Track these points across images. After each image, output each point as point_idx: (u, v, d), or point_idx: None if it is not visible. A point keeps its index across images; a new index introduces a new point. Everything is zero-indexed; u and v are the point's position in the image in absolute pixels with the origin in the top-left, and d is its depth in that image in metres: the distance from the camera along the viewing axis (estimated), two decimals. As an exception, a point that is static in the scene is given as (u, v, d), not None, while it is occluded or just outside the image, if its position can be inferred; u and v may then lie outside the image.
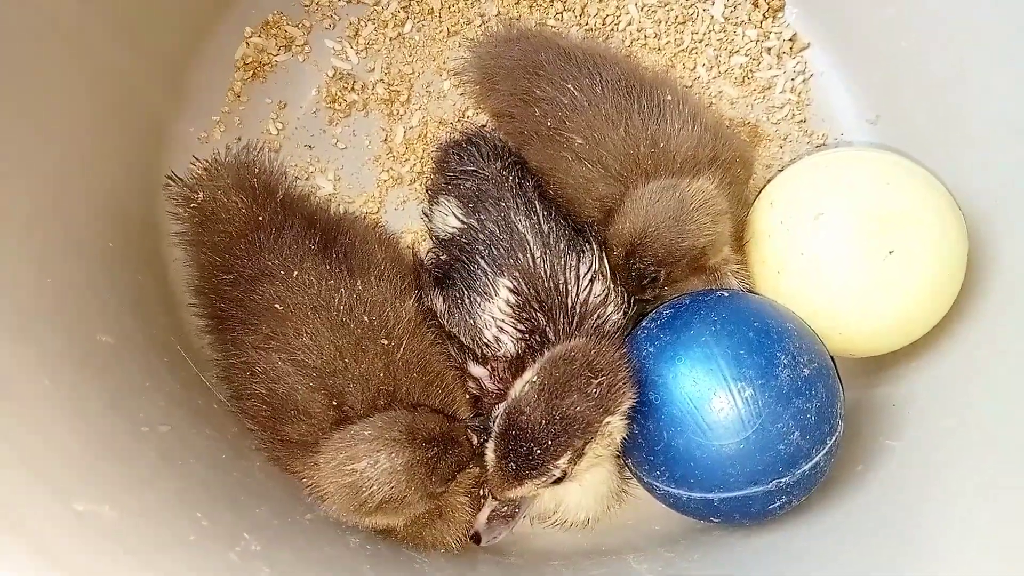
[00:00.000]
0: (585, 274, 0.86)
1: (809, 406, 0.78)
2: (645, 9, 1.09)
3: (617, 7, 1.09)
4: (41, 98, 0.79)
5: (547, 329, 0.83)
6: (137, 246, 0.93)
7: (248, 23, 1.07)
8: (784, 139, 1.07)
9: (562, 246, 0.87)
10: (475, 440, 0.81)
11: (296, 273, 0.82)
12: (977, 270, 0.87)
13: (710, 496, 0.79)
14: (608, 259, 0.87)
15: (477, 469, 0.83)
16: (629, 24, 1.09)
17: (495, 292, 0.85)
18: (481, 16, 1.09)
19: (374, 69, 1.08)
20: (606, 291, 0.86)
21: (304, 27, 1.09)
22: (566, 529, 0.90)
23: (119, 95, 0.92)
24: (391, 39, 1.09)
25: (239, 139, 1.05)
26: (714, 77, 1.08)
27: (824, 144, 1.07)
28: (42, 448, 0.62)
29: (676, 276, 0.86)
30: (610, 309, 0.86)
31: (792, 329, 0.82)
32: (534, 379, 0.75)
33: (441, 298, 0.89)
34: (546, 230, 0.88)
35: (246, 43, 1.07)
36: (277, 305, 0.81)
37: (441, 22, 1.09)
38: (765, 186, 0.97)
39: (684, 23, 1.09)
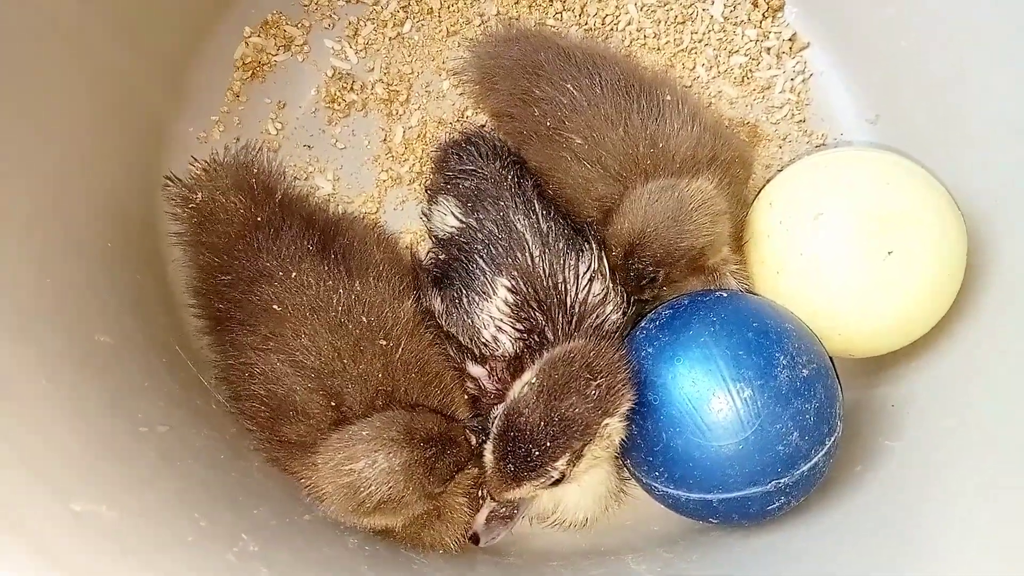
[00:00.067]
0: (584, 273, 0.86)
1: (808, 407, 0.77)
2: (644, 9, 1.09)
3: (616, 7, 1.09)
4: (41, 98, 0.79)
5: (546, 329, 0.83)
6: (136, 246, 0.93)
7: (247, 23, 1.07)
8: (783, 139, 1.07)
9: (561, 245, 0.87)
10: (473, 440, 0.81)
11: (294, 274, 0.82)
12: (977, 270, 0.87)
13: (709, 497, 0.79)
14: (607, 259, 0.87)
15: (476, 470, 0.83)
16: (628, 24, 1.09)
17: (493, 291, 0.85)
18: (480, 16, 1.09)
19: (373, 69, 1.08)
20: (605, 290, 0.86)
21: (303, 27, 1.09)
22: (565, 530, 0.90)
23: (119, 95, 0.92)
24: (390, 39, 1.09)
25: (238, 139, 1.05)
26: (713, 77, 1.08)
27: (824, 144, 1.07)
28: (41, 448, 0.62)
29: (675, 276, 0.86)
30: (609, 308, 0.86)
31: (791, 330, 0.82)
32: (533, 380, 0.75)
33: (439, 298, 0.89)
34: (545, 229, 0.88)
35: (245, 43, 1.07)
36: (275, 306, 0.81)
37: (440, 22, 1.09)
38: (764, 186, 0.97)
39: (683, 23, 1.09)
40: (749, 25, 1.08)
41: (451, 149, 1.01)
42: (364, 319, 0.81)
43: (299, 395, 0.79)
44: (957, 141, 0.92)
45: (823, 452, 0.79)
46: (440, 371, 0.85)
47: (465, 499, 0.84)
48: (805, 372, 0.79)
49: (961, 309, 0.88)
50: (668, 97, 0.92)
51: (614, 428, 0.77)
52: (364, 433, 0.75)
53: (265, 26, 1.08)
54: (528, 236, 0.87)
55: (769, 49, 1.08)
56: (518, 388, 0.77)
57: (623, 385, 0.77)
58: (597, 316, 0.85)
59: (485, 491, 0.83)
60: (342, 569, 0.78)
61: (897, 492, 0.82)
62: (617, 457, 0.86)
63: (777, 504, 0.79)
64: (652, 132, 0.89)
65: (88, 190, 0.86)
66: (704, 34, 1.09)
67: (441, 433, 0.77)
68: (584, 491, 0.85)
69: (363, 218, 1.03)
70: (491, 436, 0.76)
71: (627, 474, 0.88)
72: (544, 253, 0.86)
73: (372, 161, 1.07)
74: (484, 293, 0.86)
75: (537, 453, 0.72)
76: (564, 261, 0.86)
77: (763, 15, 1.08)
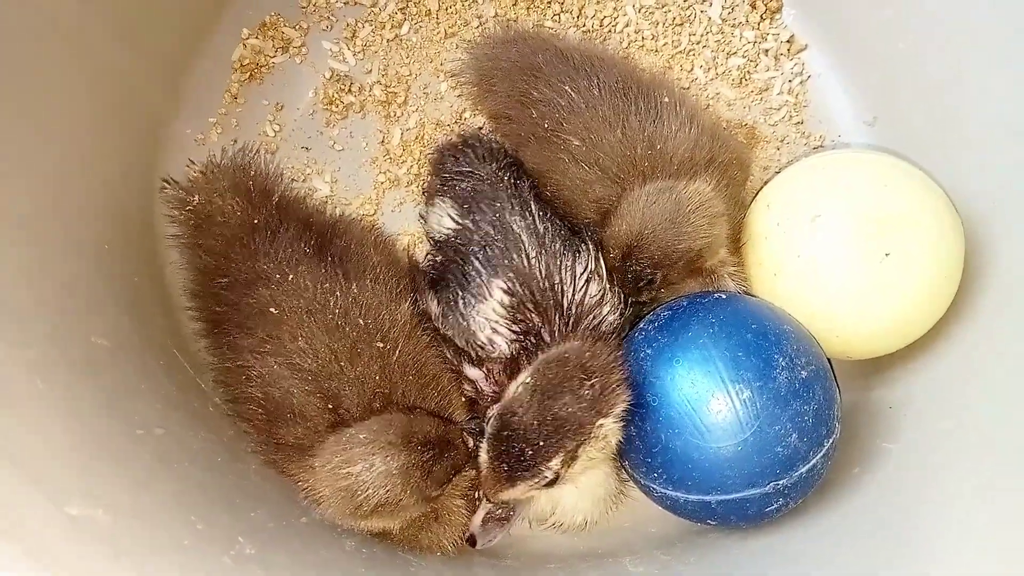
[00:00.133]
0: (581, 274, 0.86)
1: (807, 408, 0.77)
2: (643, 11, 1.09)
3: (615, 8, 1.09)
4: (38, 98, 0.79)
5: (542, 330, 0.83)
6: (134, 248, 0.93)
7: (245, 25, 1.07)
8: (781, 141, 1.07)
9: (558, 246, 0.87)
10: (471, 443, 0.81)
11: (292, 276, 0.82)
12: (974, 272, 0.87)
13: (707, 498, 0.79)
14: (605, 261, 0.87)
15: (473, 472, 0.82)
16: (627, 26, 1.09)
17: (489, 293, 0.85)
18: (478, 18, 1.09)
19: (371, 71, 1.08)
20: (602, 291, 0.86)
21: (301, 29, 1.09)
22: (563, 532, 0.89)
23: (117, 96, 0.92)
24: (388, 41, 1.09)
25: (235, 141, 1.04)
26: (711, 79, 1.08)
27: (821, 146, 1.07)
28: (36, 451, 0.62)
29: (673, 278, 0.86)
30: (606, 310, 0.86)
31: (790, 331, 0.82)
32: (527, 380, 0.75)
33: (435, 301, 0.89)
34: (541, 230, 0.88)
35: (243, 45, 1.07)
36: (272, 309, 0.81)
37: (438, 23, 1.09)
38: (762, 188, 0.97)
39: (681, 24, 1.09)
40: (747, 27, 1.08)
41: (447, 151, 1.01)
42: (361, 321, 0.81)
43: (296, 398, 0.79)
44: (955, 143, 0.92)
45: (821, 454, 0.79)
46: (437, 373, 0.85)
47: (462, 501, 0.84)
48: (804, 374, 0.79)
49: (959, 311, 0.88)
50: (666, 99, 0.92)
51: (609, 429, 0.76)
52: (361, 436, 0.75)
53: (263, 28, 1.08)
54: (524, 237, 0.87)
55: (767, 51, 1.08)
56: (513, 388, 0.77)
57: (618, 385, 0.76)
58: (594, 317, 0.84)
59: (481, 493, 0.83)
60: (339, 572, 0.78)
61: (894, 494, 0.82)
62: (615, 459, 0.85)
63: (775, 506, 0.79)
64: (650, 134, 0.89)
65: (85, 191, 0.86)
66: (702, 36, 1.08)
67: (438, 436, 0.77)
68: (582, 493, 0.85)
69: (361, 220, 1.03)
70: (486, 436, 0.76)
71: (626, 476, 0.88)
72: (540, 254, 0.86)
73: (370, 163, 1.07)
74: (480, 295, 0.86)
75: (531, 453, 0.72)
76: (560, 262, 0.86)
77: (761, 17, 1.08)
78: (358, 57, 1.09)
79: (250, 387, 0.81)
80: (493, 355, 0.85)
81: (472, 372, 0.86)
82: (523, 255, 0.86)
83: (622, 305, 0.87)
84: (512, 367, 0.83)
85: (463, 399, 0.86)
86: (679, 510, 0.84)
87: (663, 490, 0.81)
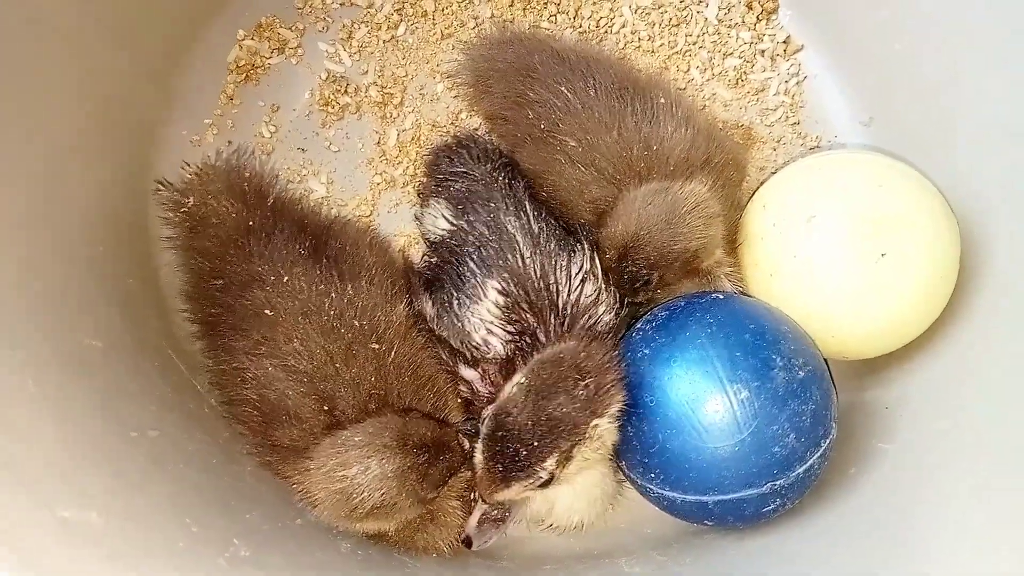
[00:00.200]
0: (576, 274, 0.86)
1: (804, 408, 0.77)
2: (639, 11, 1.09)
3: (611, 9, 1.09)
4: (30, 100, 0.78)
5: (537, 331, 0.83)
6: (128, 249, 0.93)
7: (241, 26, 1.07)
8: (778, 141, 1.07)
9: (552, 246, 0.87)
10: (466, 445, 0.81)
11: (286, 278, 0.82)
12: (970, 272, 0.87)
13: (704, 499, 0.79)
14: (601, 262, 0.86)
15: (469, 473, 0.82)
16: (623, 26, 1.09)
17: (484, 294, 0.85)
18: (475, 19, 1.09)
19: (367, 72, 1.08)
20: (597, 291, 0.86)
21: (297, 30, 1.09)
22: (560, 533, 0.89)
23: (110, 97, 0.92)
24: (384, 42, 1.08)
25: (230, 142, 1.04)
26: (708, 79, 1.08)
27: (818, 146, 1.07)
28: (28, 453, 0.62)
29: (669, 279, 0.86)
30: (602, 310, 0.86)
31: (787, 332, 0.82)
32: (522, 381, 0.75)
33: (430, 302, 0.89)
34: (536, 230, 0.88)
35: (239, 46, 1.07)
36: (267, 310, 0.81)
37: (435, 24, 1.09)
38: (758, 188, 0.97)
39: (678, 25, 1.09)
40: (743, 28, 1.08)
41: (442, 152, 1.01)
42: (356, 323, 0.81)
43: (291, 399, 0.79)
44: (951, 144, 0.92)
45: (818, 454, 0.78)
46: (433, 374, 0.85)
47: (458, 503, 0.84)
48: (801, 374, 0.78)
49: (955, 311, 0.88)
50: (662, 100, 0.92)
51: (604, 429, 0.76)
52: (357, 439, 0.75)
53: (259, 29, 1.08)
54: (519, 237, 0.87)
55: (763, 52, 1.08)
56: (508, 389, 0.77)
57: (613, 386, 0.76)
58: (589, 317, 0.84)
59: (477, 494, 0.83)
60: (335, 573, 0.78)
61: (891, 494, 0.82)
62: (612, 459, 0.85)
63: (772, 506, 0.79)
64: (646, 135, 0.89)
65: (79, 193, 0.85)
66: (698, 36, 1.09)
67: (434, 438, 0.77)
68: (578, 493, 0.85)
69: (356, 221, 1.03)
70: (480, 437, 0.76)
71: (622, 476, 0.88)
72: (535, 254, 0.86)
73: (366, 164, 1.07)
74: (474, 296, 0.86)
75: (525, 453, 0.72)
76: (556, 262, 0.86)
77: (757, 18, 1.08)
78: (354, 58, 1.08)
79: (245, 389, 0.81)
80: (488, 356, 0.85)
81: (468, 373, 0.86)
82: (518, 255, 0.86)
83: (618, 305, 0.87)
84: (507, 367, 0.83)
85: (459, 400, 0.86)
86: (676, 511, 0.83)
87: (660, 491, 0.81)
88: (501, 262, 0.86)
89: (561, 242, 0.88)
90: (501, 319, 0.84)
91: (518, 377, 0.77)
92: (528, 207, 0.90)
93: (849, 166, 0.92)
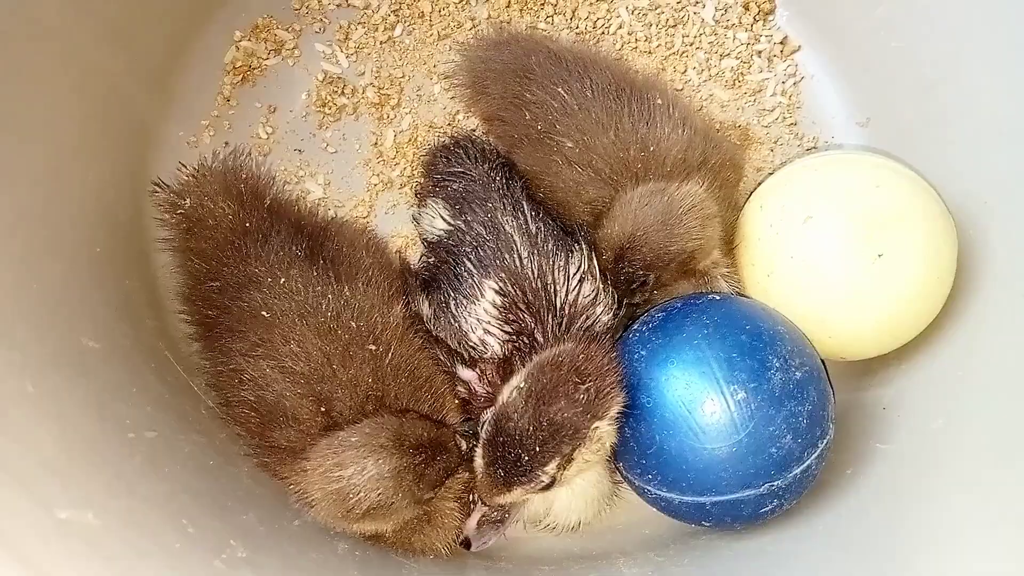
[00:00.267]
0: (574, 275, 0.86)
1: (801, 409, 0.77)
2: (636, 12, 1.09)
3: (608, 10, 1.09)
4: (26, 101, 0.78)
5: (535, 331, 0.83)
6: (125, 251, 0.93)
7: (237, 27, 1.07)
8: (775, 142, 1.07)
9: (550, 246, 0.87)
10: (464, 445, 0.81)
11: (283, 279, 0.82)
12: (967, 272, 0.87)
13: (702, 500, 0.79)
14: (598, 262, 0.86)
15: (466, 474, 0.82)
16: (620, 27, 1.09)
17: (481, 294, 0.85)
18: (472, 20, 1.09)
19: (364, 73, 1.08)
20: (595, 291, 0.86)
21: (294, 31, 1.09)
22: (557, 533, 0.89)
23: (108, 99, 0.92)
24: (381, 43, 1.09)
25: (227, 143, 1.04)
26: (705, 80, 1.08)
27: (815, 147, 1.07)
28: (25, 454, 0.62)
29: (665, 280, 0.86)
30: (600, 310, 0.85)
31: (784, 332, 0.82)
32: (521, 385, 0.75)
33: (427, 303, 0.89)
34: (533, 230, 0.88)
35: (236, 47, 1.07)
36: (264, 312, 0.80)
37: (431, 26, 1.09)
38: (755, 189, 0.97)
39: (675, 26, 1.09)
40: (740, 28, 1.08)
41: (439, 152, 1.01)
42: (353, 324, 0.81)
43: (289, 401, 0.79)
44: (947, 144, 0.92)
45: (815, 455, 0.78)
46: (430, 375, 0.85)
47: (455, 504, 0.84)
48: (798, 375, 0.78)
49: (952, 311, 0.88)
50: (659, 101, 0.92)
51: (604, 431, 0.76)
52: (353, 439, 0.75)
53: (255, 30, 1.08)
54: (516, 237, 0.87)
55: (760, 52, 1.08)
56: (507, 392, 0.76)
57: (612, 388, 0.76)
58: (587, 318, 0.84)
59: (476, 496, 0.83)
60: (332, 574, 0.78)
61: (888, 495, 0.82)
62: (609, 460, 0.85)
63: (770, 507, 0.79)
64: (643, 136, 0.89)
65: (75, 194, 0.85)
66: (695, 37, 1.09)
67: (431, 439, 0.77)
68: (576, 494, 0.85)
69: (353, 222, 1.03)
70: (480, 441, 0.76)
71: (620, 477, 0.88)
72: (533, 255, 0.86)
73: (363, 165, 1.07)
74: (471, 296, 0.85)
75: (527, 458, 0.72)
76: (553, 262, 0.86)
77: (754, 18, 1.08)
78: (351, 59, 1.09)
79: (243, 390, 0.81)
80: (486, 356, 0.84)
81: (465, 373, 0.86)
82: (515, 255, 0.86)
83: (616, 305, 0.87)
84: (505, 368, 0.83)
85: (456, 401, 0.86)
86: (674, 511, 0.83)
87: (658, 491, 0.81)
88: (498, 262, 0.86)
89: (559, 242, 0.88)
90: (498, 319, 0.84)
91: (517, 380, 0.76)
92: (526, 207, 0.91)
93: (846, 167, 0.92)
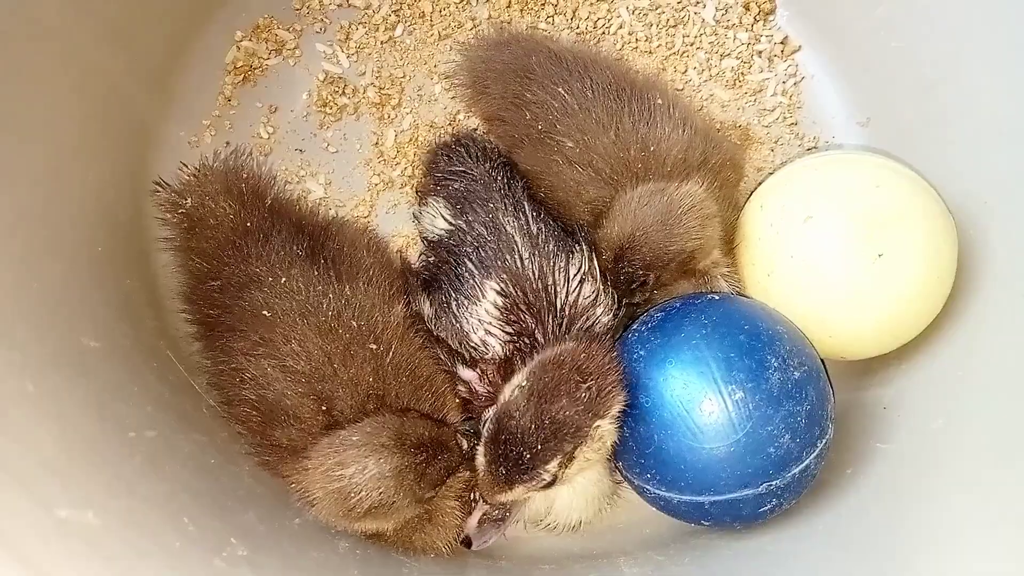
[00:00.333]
0: (574, 276, 0.86)
1: (799, 409, 0.77)
2: (636, 12, 1.09)
3: (608, 10, 1.09)
4: (26, 101, 0.78)
5: (536, 331, 0.83)
6: (126, 250, 0.93)
7: (238, 27, 1.07)
8: (775, 142, 1.07)
9: (551, 247, 0.87)
10: (464, 444, 0.81)
11: (284, 279, 0.82)
12: (967, 272, 0.87)
13: (700, 499, 0.79)
14: (598, 263, 0.87)
15: (467, 473, 0.82)
16: (620, 27, 1.09)
17: (482, 294, 0.85)
18: (472, 20, 1.09)
19: (365, 73, 1.08)
20: (595, 292, 0.86)
21: (295, 31, 1.09)
22: (558, 533, 0.89)
23: (108, 99, 0.92)
24: (382, 43, 1.09)
25: (228, 143, 1.04)
26: (705, 80, 1.08)
27: (815, 147, 1.07)
28: (25, 453, 0.62)
29: (665, 280, 0.86)
30: (599, 311, 0.86)
31: (783, 332, 0.82)
32: (523, 383, 0.75)
33: (428, 303, 0.89)
34: (535, 231, 0.88)
35: (236, 47, 1.07)
36: (265, 311, 0.81)
37: (432, 26, 1.09)
38: (756, 189, 0.97)
39: (675, 26, 1.09)
40: (741, 28, 1.08)
41: (441, 150, 1.01)
42: (354, 323, 0.81)
43: (290, 400, 0.79)
44: (948, 144, 0.92)
45: (814, 454, 0.78)
46: (431, 374, 0.85)
47: (456, 502, 0.84)
48: (797, 375, 0.78)
49: (952, 311, 0.88)
50: (659, 101, 0.92)
51: (605, 430, 0.76)
52: (355, 438, 0.75)
53: (256, 30, 1.08)
54: (517, 238, 0.87)
55: (761, 52, 1.08)
56: (508, 391, 0.77)
57: (614, 387, 0.76)
58: (587, 318, 0.84)
59: (477, 494, 0.83)
60: (333, 573, 0.78)
61: (888, 494, 0.82)
62: (610, 459, 0.85)
63: (769, 507, 0.79)
64: (643, 136, 0.89)
65: (76, 194, 0.85)
66: (696, 37, 1.09)
67: (432, 438, 0.77)
68: (576, 493, 0.85)
69: (354, 222, 1.03)
70: (482, 440, 0.76)
71: (620, 477, 0.88)
72: (534, 255, 0.86)
73: (364, 165, 1.07)
74: (473, 296, 0.86)
75: (528, 456, 0.72)
76: (554, 263, 0.86)
77: (755, 18, 1.08)
78: (352, 59, 1.09)
79: (244, 389, 0.81)
80: (487, 356, 0.85)
81: (466, 373, 0.86)
82: (516, 256, 0.86)
83: (615, 306, 0.87)
84: (506, 368, 0.83)
85: (457, 400, 0.86)
86: (673, 511, 0.84)
87: (657, 491, 0.81)
88: (499, 263, 0.86)
89: (559, 243, 0.88)
90: (499, 320, 0.85)
91: (519, 379, 0.77)
92: (527, 207, 0.91)
93: (846, 166, 0.92)
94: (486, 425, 0.77)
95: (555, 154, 0.91)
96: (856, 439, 0.90)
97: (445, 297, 0.88)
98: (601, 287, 0.87)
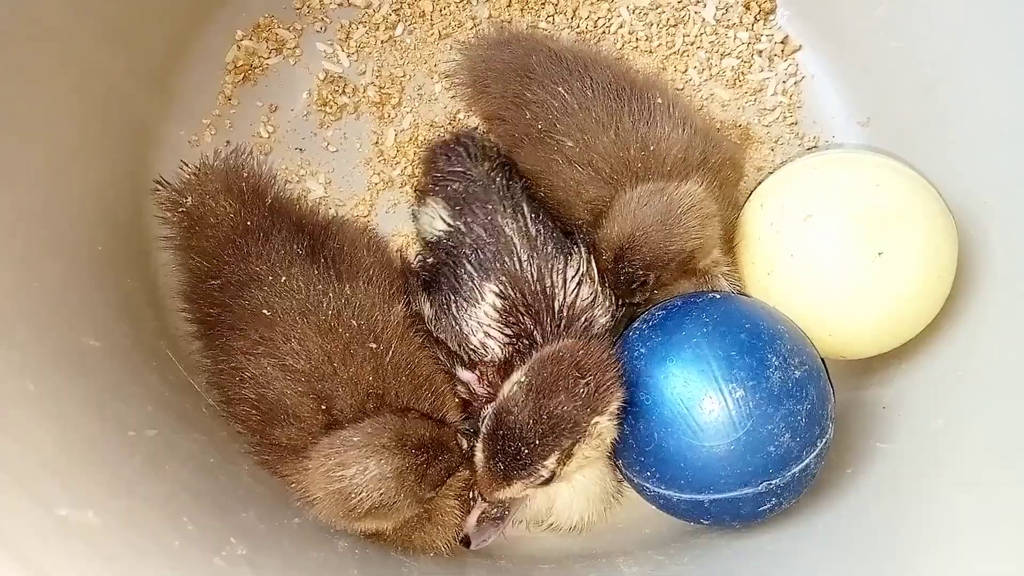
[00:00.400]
0: (572, 278, 0.86)
1: (800, 408, 0.77)
2: (637, 12, 1.09)
3: (609, 10, 1.09)
4: (26, 101, 0.78)
5: (534, 333, 0.83)
6: (125, 249, 0.93)
7: (239, 26, 1.07)
8: (775, 141, 1.07)
9: (549, 249, 0.87)
10: (464, 444, 0.81)
11: (284, 278, 0.82)
12: (967, 271, 0.87)
13: (700, 497, 0.79)
14: (597, 263, 0.87)
15: (467, 473, 0.82)
16: (620, 27, 1.09)
17: (481, 297, 0.85)
18: (472, 19, 1.09)
19: (365, 72, 1.08)
20: (593, 294, 0.86)
21: (295, 30, 1.09)
22: (560, 532, 0.89)
23: (108, 98, 0.92)
24: (382, 42, 1.09)
25: (228, 142, 1.04)
26: (705, 80, 1.08)
27: (815, 146, 1.07)
28: (25, 453, 0.62)
29: (665, 279, 0.86)
30: (598, 312, 0.86)
31: (783, 331, 0.82)
32: (522, 379, 0.75)
33: (428, 303, 0.89)
34: (533, 233, 0.88)
35: (237, 46, 1.07)
36: (265, 310, 0.81)
37: (432, 25, 1.09)
38: (756, 188, 0.97)
39: (675, 26, 1.09)
40: (741, 28, 1.08)
41: (440, 149, 1.01)
42: (354, 322, 0.81)
43: (289, 399, 0.79)
44: (948, 144, 0.92)
45: (814, 454, 0.78)
46: (431, 374, 0.85)
47: (456, 502, 0.84)
48: (797, 373, 0.78)
49: (952, 310, 0.88)
50: (659, 100, 0.92)
51: (604, 426, 0.76)
52: (355, 439, 0.75)
53: (256, 29, 1.08)
54: (516, 240, 0.87)
55: (761, 52, 1.08)
56: (507, 387, 0.77)
57: (612, 383, 0.76)
58: (586, 320, 0.84)
59: (476, 492, 0.83)
60: (332, 573, 0.78)
61: (888, 494, 0.82)
62: (610, 458, 0.85)
63: (768, 506, 0.79)
64: (643, 135, 0.89)
65: (76, 193, 0.85)
66: (696, 37, 1.09)
67: (432, 439, 0.77)
68: (577, 492, 0.85)
69: (354, 221, 1.03)
70: (481, 436, 0.76)
71: (621, 476, 0.88)
72: (532, 257, 0.86)
73: (364, 164, 1.07)
74: (472, 298, 0.86)
75: (526, 451, 0.72)
76: (552, 265, 0.86)
77: (755, 18, 1.08)
78: (352, 58, 1.09)
79: (243, 388, 0.81)
80: (486, 358, 0.85)
81: (464, 375, 0.86)
82: (515, 258, 0.86)
83: (613, 307, 0.87)
84: (505, 369, 0.83)
85: (457, 400, 0.86)
86: (672, 509, 0.84)
87: (656, 489, 0.81)
88: (499, 265, 0.86)
89: (558, 245, 0.88)
90: (499, 322, 0.85)
91: (518, 375, 0.77)
92: (526, 209, 0.91)
93: (846, 165, 0.92)
94: (484, 421, 0.77)
95: (555, 153, 0.91)
96: (856, 438, 0.90)
97: (445, 298, 0.88)
98: (599, 289, 0.87)
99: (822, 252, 0.86)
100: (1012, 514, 0.69)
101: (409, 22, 1.09)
